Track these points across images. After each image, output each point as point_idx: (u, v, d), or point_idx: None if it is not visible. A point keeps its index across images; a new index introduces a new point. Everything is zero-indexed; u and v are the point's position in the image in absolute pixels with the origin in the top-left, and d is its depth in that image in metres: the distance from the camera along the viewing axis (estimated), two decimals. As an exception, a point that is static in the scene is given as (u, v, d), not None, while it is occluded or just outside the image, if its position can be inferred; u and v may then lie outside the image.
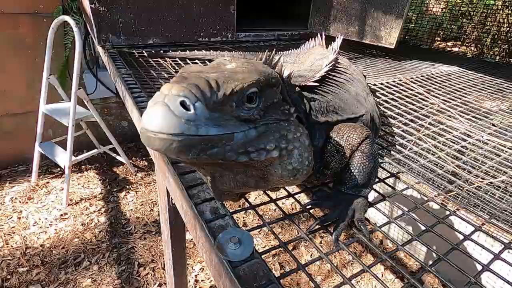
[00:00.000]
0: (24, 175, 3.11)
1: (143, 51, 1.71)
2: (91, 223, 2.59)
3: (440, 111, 1.29)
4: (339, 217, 0.66)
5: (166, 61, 1.65)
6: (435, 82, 1.66)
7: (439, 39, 4.68)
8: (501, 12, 4.02)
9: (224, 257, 0.54)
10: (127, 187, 3.10)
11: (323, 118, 0.72)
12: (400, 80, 1.58)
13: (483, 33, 4.24)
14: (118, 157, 3.21)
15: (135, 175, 3.29)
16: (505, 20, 4.06)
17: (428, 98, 1.40)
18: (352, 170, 0.69)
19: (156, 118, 0.42)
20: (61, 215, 2.64)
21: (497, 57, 4.12)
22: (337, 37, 1.14)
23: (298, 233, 0.58)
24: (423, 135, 1.07)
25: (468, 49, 4.52)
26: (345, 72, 0.94)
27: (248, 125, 0.50)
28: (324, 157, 0.72)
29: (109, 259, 2.26)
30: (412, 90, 1.48)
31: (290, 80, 0.73)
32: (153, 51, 1.70)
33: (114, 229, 2.57)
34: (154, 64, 1.58)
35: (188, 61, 1.72)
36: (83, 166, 3.31)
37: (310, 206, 0.72)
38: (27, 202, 2.75)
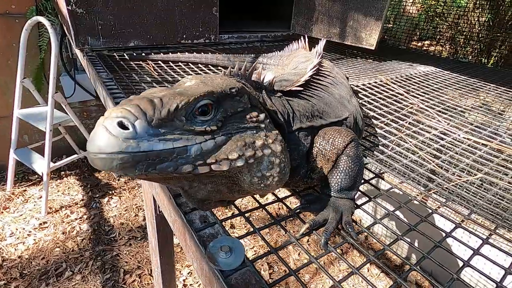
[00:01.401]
0: (-1, 184, 2.96)
1: (124, 54, 1.66)
2: (72, 231, 2.50)
3: (419, 110, 1.34)
4: (327, 221, 0.67)
5: (148, 64, 1.62)
6: (414, 82, 1.72)
7: (416, 38, 4.85)
8: (472, 13, 4.22)
9: (215, 266, 0.54)
10: (110, 192, 3.02)
11: (308, 122, 0.73)
12: (381, 81, 1.62)
13: (456, 33, 4.44)
14: (99, 162, 3.11)
15: (118, 179, 3.21)
16: (476, 21, 4.27)
17: (408, 98, 1.45)
18: (339, 174, 0.70)
19: (95, 140, 0.44)
20: (40, 224, 2.53)
21: (470, 56, 4.32)
22: (320, 40, 1.15)
23: (286, 234, 0.59)
24: (404, 135, 1.11)
25: (443, 48, 4.72)
26: (329, 75, 0.96)
27: (205, 137, 0.51)
28: (311, 161, 0.73)
29: (93, 267, 2.20)
30: (392, 90, 1.53)
31: (272, 86, 0.73)
32: (134, 54, 1.66)
33: (98, 236, 2.49)
34: (136, 67, 1.55)
35: (171, 64, 1.70)
36: (63, 172, 3.19)
37: (298, 210, 0.73)
38: (2, 212, 2.62)
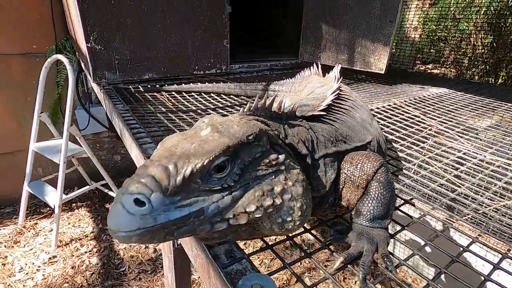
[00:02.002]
0: (11, 217, 2.95)
1: (139, 86, 1.71)
2: (82, 266, 2.42)
3: (439, 132, 1.30)
4: (363, 253, 0.62)
5: (162, 95, 1.65)
6: (428, 104, 1.70)
7: (419, 62, 4.92)
8: (474, 35, 4.30)
9: (247, 308, 0.49)
10: (121, 224, 2.98)
11: (334, 148, 0.71)
12: (395, 104, 1.61)
13: (460, 55, 4.50)
14: (110, 193, 3.10)
15: (129, 210, 3.17)
16: (479, 42, 4.33)
17: (425, 120, 1.42)
18: (370, 201, 0.66)
19: (114, 218, 0.45)
20: (50, 258, 2.47)
21: (476, 77, 4.33)
22: (336, 66, 1.16)
23: (311, 262, 0.54)
24: (427, 158, 1.07)
25: (447, 70, 4.76)
26: (349, 99, 0.94)
27: (222, 194, 0.50)
28: (339, 189, 0.70)
29: (102, 305, 2.10)
30: (408, 113, 1.51)
31: (294, 112, 0.71)
32: (149, 86, 1.70)
33: (107, 270, 2.41)
34: (151, 98, 1.58)
35: (184, 94, 1.73)
36: (74, 204, 3.17)
37: (329, 242, 0.68)
38: (13, 247, 2.58)
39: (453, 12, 4.39)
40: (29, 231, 2.76)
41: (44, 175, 3.02)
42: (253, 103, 0.65)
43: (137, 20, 1.61)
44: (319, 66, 1.41)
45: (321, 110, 0.78)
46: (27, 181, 2.74)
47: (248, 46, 2.49)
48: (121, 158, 3.62)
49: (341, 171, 0.69)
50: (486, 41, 4.27)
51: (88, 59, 1.56)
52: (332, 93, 0.85)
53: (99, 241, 2.74)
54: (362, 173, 0.67)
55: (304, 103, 0.89)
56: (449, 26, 4.66)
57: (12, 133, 2.91)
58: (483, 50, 4.30)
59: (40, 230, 2.80)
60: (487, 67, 4.32)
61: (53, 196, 2.63)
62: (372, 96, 1.83)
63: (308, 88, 1.27)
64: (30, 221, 2.86)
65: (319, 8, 2.23)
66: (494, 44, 4.23)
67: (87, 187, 2.90)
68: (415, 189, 0.90)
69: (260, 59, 2.31)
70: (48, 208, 3.00)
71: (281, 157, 0.56)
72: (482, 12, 4.10)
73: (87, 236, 2.78)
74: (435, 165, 1.01)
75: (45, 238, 2.71)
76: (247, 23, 2.63)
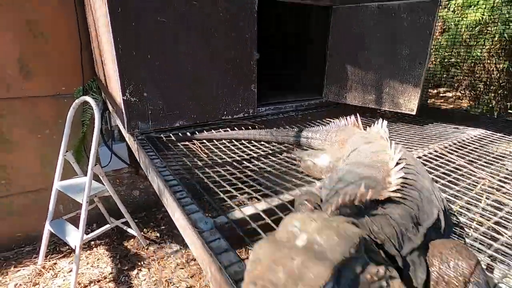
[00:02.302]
0: (30, 257, 2.91)
1: (170, 135, 1.70)
2: (101, 312, 2.33)
3: (494, 188, 1.22)
4: None
5: (194, 143, 1.63)
6: (471, 150, 1.62)
7: (432, 85, 4.87)
8: (488, 60, 4.27)
9: None
10: (139, 263, 2.89)
11: (416, 238, 0.64)
12: (435, 151, 1.54)
13: (475, 80, 4.46)
14: (129, 230, 3.05)
15: (147, 248, 3.09)
16: (494, 67, 4.29)
17: (474, 172, 1.34)
18: None
19: None
20: (69, 304, 2.40)
21: (493, 101, 4.25)
22: (381, 123, 1.11)
23: None
24: (493, 223, 0.98)
25: (462, 95, 4.70)
26: (409, 166, 0.88)
27: None
28: None
29: None
30: (452, 162, 1.44)
31: (369, 201, 0.65)
32: (180, 134, 1.69)
33: (127, 317, 2.31)
34: (184, 149, 1.56)
35: (215, 141, 1.71)
36: (93, 242, 3.12)
37: None
38: (31, 290, 2.52)
39: (465, 39, 4.39)
40: (48, 272, 2.71)
41: (65, 213, 3.00)
42: (337, 197, 0.60)
43: (172, 74, 1.64)
44: (359, 118, 1.38)
45: (393, 191, 0.72)
46: (49, 219, 2.72)
47: (273, 86, 2.50)
48: (140, 193, 3.60)
49: (430, 268, 0.62)
50: (501, 66, 4.22)
51: (123, 111, 1.57)
52: (400, 169, 0.79)
53: (117, 283, 2.66)
54: (457, 273, 0.59)
55: (362, 173, 0.84)
56: (461, 53, 4.67)
57: (37, 171, 2.94)
58: (499, 75, 4.24)
59: (59, 271, 2.75)
60: (505, 91, 4.25)
61: (74, 236, 2.58)
62: (406, 140, 1.77)
63: (350, 144, 1.23)
64: (49, 261, 2.81)
65: (343, 51, 2.25)
66: (510, 68, 4.17)
67: (108, 226, 2.86)
68: (502, 266, 0.81)
69: (285, 100, 2.30)
70: (67, 247, 2.96)
71: (381, 270, 0.51)
72: (496, 38, 4.09)
73: (106, 278, 2.71)
74: (505, 234, 0.92)
75: (64, 280, 2.64)
76: (272, 64, 2.66)
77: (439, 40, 4.81)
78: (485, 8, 4.09)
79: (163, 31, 1.55)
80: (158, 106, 1.66)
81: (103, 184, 2.81)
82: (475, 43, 4.33)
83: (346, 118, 1.45)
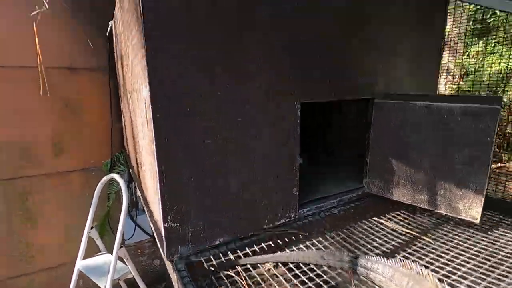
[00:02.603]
0: None
1: (211, 257, 1.56)
2: None
3: None
4: None
5: (239, 273, 1.49)
6: None
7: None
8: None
9: None
10: None
11: None
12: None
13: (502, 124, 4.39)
14: (150, 312, 2.86)
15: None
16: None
17: None
18: None
19: None
20: None
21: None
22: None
23: None
24: None
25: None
26: None
27: None
28: None
29: None
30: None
31: None
32: (223, 260, 1.55)
33: None
34: (227, 283, 1.41)
35: (260, 266, 1.56)
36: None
37: None
38: None
39: (486, 83, 4.29)
40: None
41: (84, 288, 2.87)
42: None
43: (216, 195, 1.55)
44: (432, 275, 1.20)
45: None
46: (69, 305, 2.58)
47: (310, 180, 2.38)
48: (160, 262, 3.45)
49: None
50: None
51: (164, 237, 1.46)
52: None
53: None
54: None
55: None
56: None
57: (61, 247, 2.85)
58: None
59: None
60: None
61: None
62: (478, 268, 1.54)
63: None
64: None
65: (386, 147, 2.12)
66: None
67: (129, 310, 2.69)
68: None
69: (326, 195, 2.16)
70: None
71: None
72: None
73: None
74: None
75: None
76: (308, 155, 2.56)
77: (459, 84, 4.78)
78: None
79: (209, 153, 1.48)
80: (199, 227, 1.54)
81: (126, 265, 2.68)
82: (495, 88, 4.26)
83: (417, 264, 1.27)
